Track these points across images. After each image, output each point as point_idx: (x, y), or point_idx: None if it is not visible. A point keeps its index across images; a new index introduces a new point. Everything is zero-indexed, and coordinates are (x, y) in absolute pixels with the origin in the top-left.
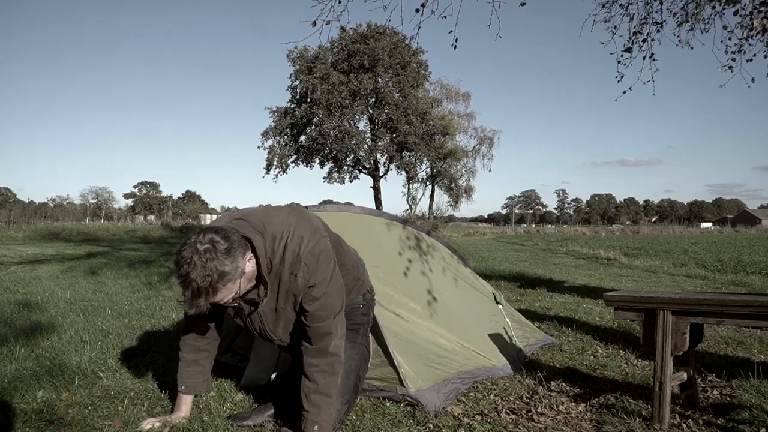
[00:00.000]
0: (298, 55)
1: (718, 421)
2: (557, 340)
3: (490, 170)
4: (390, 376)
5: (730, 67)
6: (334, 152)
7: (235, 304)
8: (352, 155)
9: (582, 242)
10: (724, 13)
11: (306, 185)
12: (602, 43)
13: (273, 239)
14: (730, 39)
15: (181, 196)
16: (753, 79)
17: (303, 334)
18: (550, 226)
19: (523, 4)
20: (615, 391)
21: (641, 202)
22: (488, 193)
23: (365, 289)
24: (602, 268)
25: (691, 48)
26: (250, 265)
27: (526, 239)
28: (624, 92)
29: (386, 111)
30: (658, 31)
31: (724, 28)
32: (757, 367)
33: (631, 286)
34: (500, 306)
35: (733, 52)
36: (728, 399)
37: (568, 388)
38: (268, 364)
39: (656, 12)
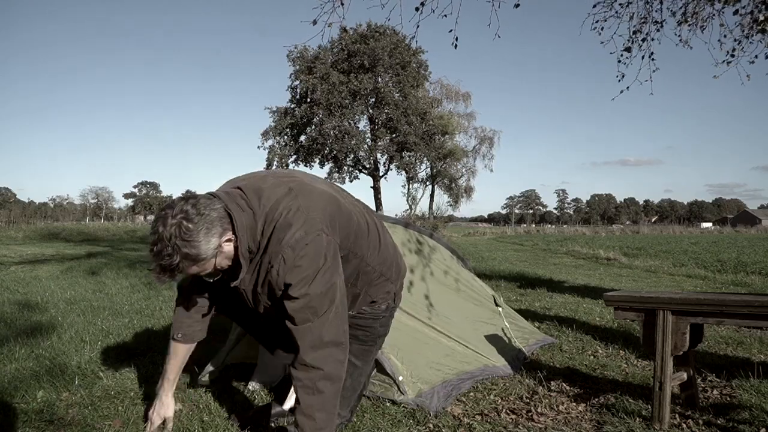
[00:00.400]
0: (298, 55)
1: (718, 421)
2: (557, 340)
3: (491, 170)
4: (389, 381)
5: (728, 63)
6: (334, 152)
7: (212, 280)
8: (352, 155)
9: (582, 242)
10: (723, 12)
11: None
12: (602, 43)
13: (265, 220)
14: (726, 36)
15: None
16: (748, 76)
17: (289, 339)
18: (550, 226)
19: (517, 6)
20: (615, 391)
21: (641, 202)
22: (488, 193)
23: (391, 297)
24: (602, 268)
25: (690, 48)
26: (228, 246)
27: (526, 239)
28: (621, 92)
29: (386, 111)
30: (658, 30)
31: (721, 25)
32: (757, 367)
33: (631, 286)
34: (500, 308)
35: (734, 49)
36: (728, 399)
37: (568, 388)
38: (277, 366)
39: (656, 11)
